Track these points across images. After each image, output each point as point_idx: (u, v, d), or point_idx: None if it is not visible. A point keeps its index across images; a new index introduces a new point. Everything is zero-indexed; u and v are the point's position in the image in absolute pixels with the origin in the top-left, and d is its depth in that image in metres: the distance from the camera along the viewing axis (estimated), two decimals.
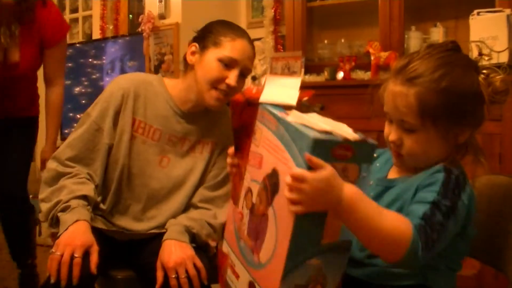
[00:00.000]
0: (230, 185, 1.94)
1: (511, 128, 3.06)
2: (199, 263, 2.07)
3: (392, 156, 1.60)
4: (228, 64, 2.19)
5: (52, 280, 1.93)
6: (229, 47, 2.20)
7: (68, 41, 6.50)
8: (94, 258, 1.99)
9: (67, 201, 2.13)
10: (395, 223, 1.33)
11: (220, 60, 2.19)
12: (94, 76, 5.70)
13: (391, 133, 1.55)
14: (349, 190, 1.25)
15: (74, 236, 2.01)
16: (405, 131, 1.52)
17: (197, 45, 2.29)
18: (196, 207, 2.33)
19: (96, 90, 5.61)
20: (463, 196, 1.41)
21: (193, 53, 2.30)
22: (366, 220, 1.29)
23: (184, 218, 2.26)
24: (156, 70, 4.92)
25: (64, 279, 1.92)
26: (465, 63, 1.51)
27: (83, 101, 5.79)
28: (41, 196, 2.24)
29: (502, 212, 1.71)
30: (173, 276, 2.02)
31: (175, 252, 2.08)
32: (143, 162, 2.31)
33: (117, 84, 2.32)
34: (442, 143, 1.50)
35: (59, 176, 2.22)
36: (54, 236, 2.11)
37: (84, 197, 2.17)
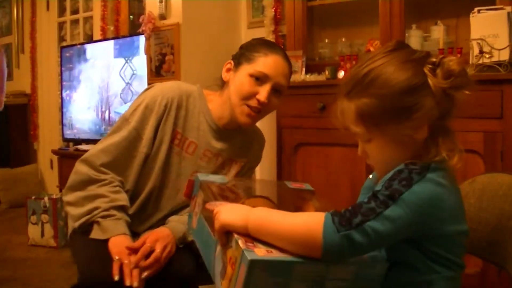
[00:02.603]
0: None
1: None
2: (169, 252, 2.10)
3: None
4: (259, 79, 2.18)
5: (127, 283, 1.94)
6: (261, 63, 2.18)
7: (69, 42, 6.55)
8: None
9: (107, 209, 2.14)
10: (306, 217, 1.39)
11: (251, 75, 2.18)
12: (95, 78, 5.70)
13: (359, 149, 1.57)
14: (256, 209, 1.44)
15: (123, 248, 2.04)
16: (363, 143, 1.53)
17: (232, 62, 2.29)
18: None
19: (95, 91, 5.63)
20: (415, 188, 1.37)
21: (228, 70, 2.30)
22: (275, 224, 1.37)
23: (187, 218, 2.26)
24: (157, 71, 4.92)
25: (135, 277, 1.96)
26: (402, 59, 1.46)
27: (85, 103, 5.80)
28: (68, 198, 2.23)
29: (504, 210, 1.72)
30: (148, 244, 2.05)
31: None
32: (175, 174, 2.31)
33: (161, 92, 2.29)
34: (400, 146, 1.47)
35: (91, 181, 2.21)
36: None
37: (122, 208, 2.19)
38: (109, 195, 2.17)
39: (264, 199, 1.64)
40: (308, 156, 3.89)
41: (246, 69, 2.20)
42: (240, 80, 2.21)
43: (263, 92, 2.17)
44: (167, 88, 2.31)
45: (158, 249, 2.05)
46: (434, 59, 1.46)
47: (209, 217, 1.48)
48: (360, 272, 1.39)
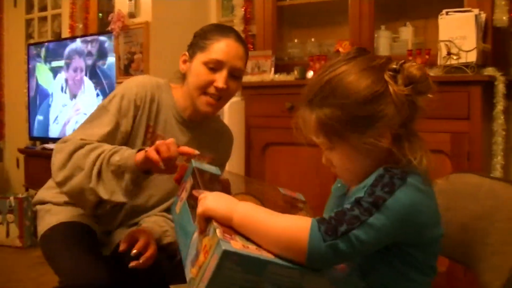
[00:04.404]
0: None
1: (479, 126, 3.09)
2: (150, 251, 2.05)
3: None
4: (213, 67, 2.16)
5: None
6: (214, 49, 2.17)
7: (37, 39, 6.49)
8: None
9: (112, 149, 1.97)
10: (292, 221, 1.37)
11: (206, 64, 2.17)
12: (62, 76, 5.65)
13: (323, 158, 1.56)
14: (244, 203, 1.40)
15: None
16: (327, 151, 1.51)
17: (187, 53, 2.27)
18: None
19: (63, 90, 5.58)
20: (398, 194, 1.35)
21: (184, 61, 2.28)
22: (261, 223, 1.36)
23: (163, 221, 2.26)
24: (126, 69, 4.89)
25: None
26: (363, 66, 1.44)
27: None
28: (62, 174, 2.00)
29: (470, 210, 1.73)
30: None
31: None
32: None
33: (137, 85, 2.24)
34: (363, 154, 1.45)
35: (79, 147, 2.01)
36: None
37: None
38: (103, 145, 2.01)
39: (251, 196, 1.63)
40: (276, 156, 3.89)
41: (200, 58, 2.19)
42: (195, 70, 2.19)
43: (220, 79, 2.15)
44: (142, 81, 2.27)
45: (153, 248, 2.05)
46: (394, 66, 1.43)
47: (194, 204, 1.46)
48: (335, 286, 1.38)
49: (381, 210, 1.33)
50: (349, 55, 1.49)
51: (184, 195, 1.61)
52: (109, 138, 2.12)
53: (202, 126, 2.35)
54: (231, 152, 2.54)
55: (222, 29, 2.25)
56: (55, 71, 5.74)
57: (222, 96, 2.20)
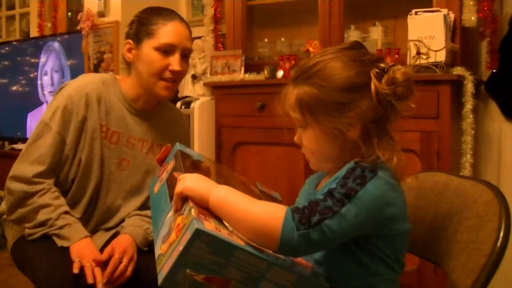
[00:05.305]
0: None
1: (448, 125, 3.11)
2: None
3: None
4: (166, 51, 2.17)
5: (90, 280, 1.94)
6: (163, 34, 2.17)
7: (5, 38, 6.41)
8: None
9: (57, 218, 2.09)
10: (268, 209, 1.38)
11: (158, 49, 2.16)
12: (31, 75, 5.59)
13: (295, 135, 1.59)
14: (223, 186, 1.43)
15: (86, 252, 2.01)
16: (300, 129, 1.55)
17: (131, 41, 2.24)
18: (148, 208, 2.30)
19: (33, 89, 5.52)
20: (369, 186, 1.38)
21: (129, 50, 2.25)
22: (237, 206, 1.38)
23: (140, 220, 2.25)
24: (96, 69, 4.86)
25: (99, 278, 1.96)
26: (352, 58, 1.49)
27: (20, 100, 5.68)
28: (12, 217, 2.17)
29: (439, 207, 1.74)
30: (117, 256, 2.03)
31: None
32: (113, 167, 2.26)
33: (77, 90, 2.20)
34: (331, 140, 1.49)
35: (28, 196, 2.12)
36: None
37: (68, 212, 2.14)
38: (52, 202, 2.11)
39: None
40: (247, 155, 3.89)
41: (150, 44, 2.18)
42: (147, 57, 2.18)
43: (174, 62, 2.17)
44: (82, 84, 2.23)
45: (124, 261, 2.04)
46: (383, 65, 1.47)
47: (173, 185, 1.47)
48: (299, 284, 1.39)
49: (353, 201, 1.36)
50: (343, 46, 1.55)
51: (164, 175, 1.63)
52: (56, 153, 2.16)
53: (156, 114, 2.35)
54: (189, 135, 2.56)
55: (164, 13, 2.24)
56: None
57: (176, 79, 2.21)
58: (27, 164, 2.14)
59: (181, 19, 2.26)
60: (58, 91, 2.26)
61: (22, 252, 2.19)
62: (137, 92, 2.27)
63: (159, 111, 2.35)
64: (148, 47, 2.18)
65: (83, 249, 2.03)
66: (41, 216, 2.09)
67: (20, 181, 2.13)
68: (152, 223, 1.60)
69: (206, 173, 1.68)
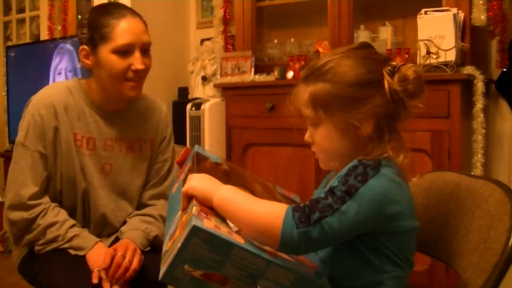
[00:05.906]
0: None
1: (458, 125, 3.11)
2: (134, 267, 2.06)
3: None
4: (125, 51, 2.08)
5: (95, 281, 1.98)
6: (117, 35, 2.06)
7: (15, 42, 6.43)
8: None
9: (66, 233, 2.10)
10: (269, 208, 1.41)
11: (116, 52, 2.07)
12: (42, 79, 5.59)
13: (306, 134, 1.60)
14: (227, 186, 1.47)
15: (104, 260, 2.03)
16: (311, 128, 1.56)
17: (86, 47, 2.14)
18: (146, 205, 2.32)
19: None
20: (371, 183, 1.39)
21: (86, 56, 2.15)
22: (240, 206, 1.41)
23: (139, 222, 2.24)
24: None
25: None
26: (363, 56, 1.51)
27: None
28: (21, 244, 2.17)
29: (450, 207, 1.73)
30: (120, 254, 2.04)
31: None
32: (96, 173, 2.22)
33: (42, 103, 2.15)
34: (344, 136, 1.50)
35: (30, 222, 2.10)
36: None
37: (74, 226, 2.14)
38: (56, 220, 2.10)
39: (244, 188, 1.65)
40: (257, 156, 3.89)
41: (106, 48, 2.07)
42: (106, 61, 2.08)
43: (136, 61, 2.08)
44: (46, 96, 2.18)
45: (128, 256, 2.04)
46: (394, 63, 1.49)
47: None
48: (299, 283, 1.39)
49: (354, 198, 1.37)
50: (352, 46, 1.57)
51: (182, 176, 1.67)
52: (42, 170, 2.14)
53: (128, 111, 2.28)
54: (170, 122, 2.44)
55: (114, 10, 2.14)
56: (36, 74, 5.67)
57: (142, 75, 2.13)
58: (18, 190, 2.11)
59: (133, 12, 2.18)
60: (24, 109, 2.20)
61: (33, 266, 2.17)
62: (104, 96, 2.20)
63: (131, 107, 2.28)
64: (105, 52, 2.08)
65: (99, 256, 2.05)
66: (50, 235, 2.09)
67: (17, 209, 2.11)
68: (166, 222, 1.64)
69: (225, 175, 1.70)
